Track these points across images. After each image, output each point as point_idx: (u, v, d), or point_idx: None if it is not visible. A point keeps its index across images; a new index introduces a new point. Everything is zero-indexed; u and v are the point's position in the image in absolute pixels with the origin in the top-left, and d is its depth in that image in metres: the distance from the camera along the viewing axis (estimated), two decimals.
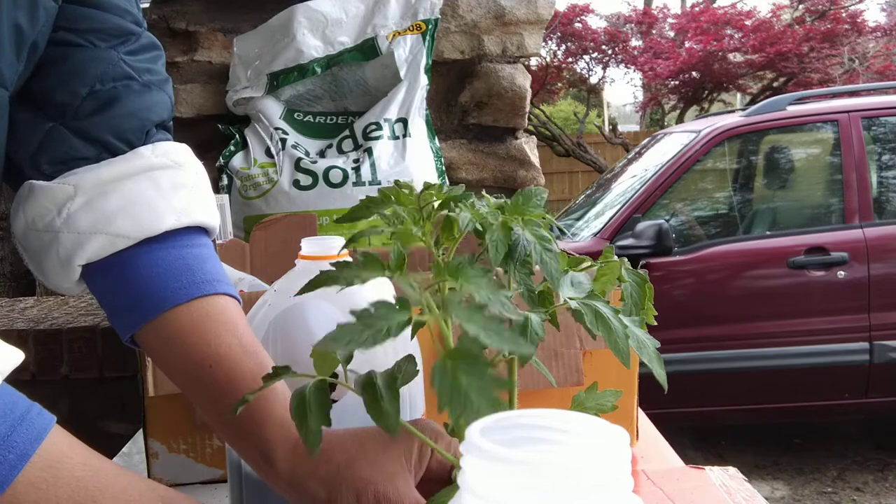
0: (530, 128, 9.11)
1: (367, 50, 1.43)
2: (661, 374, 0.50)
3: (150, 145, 0.73)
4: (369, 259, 0.51)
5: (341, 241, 0.78)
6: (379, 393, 0.53)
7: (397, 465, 0.59)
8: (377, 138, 1.38)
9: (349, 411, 0.72)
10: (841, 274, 3.75)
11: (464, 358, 0.39)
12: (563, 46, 11.90)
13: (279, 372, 0.55)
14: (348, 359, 0.56)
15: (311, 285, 0.52)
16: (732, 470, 0.98)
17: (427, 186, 0.56)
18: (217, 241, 1.08)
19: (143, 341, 0.69)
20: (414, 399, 0.75)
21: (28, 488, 0.49)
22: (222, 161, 1.40)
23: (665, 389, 0.53)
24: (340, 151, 1.40)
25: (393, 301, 0.45)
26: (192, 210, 0.71)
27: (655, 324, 0.71)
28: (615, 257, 0.64)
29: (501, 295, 0.45)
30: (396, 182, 0.56)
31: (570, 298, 0.55)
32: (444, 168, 1.47)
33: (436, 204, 0.55)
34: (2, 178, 0.72)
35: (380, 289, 0.77)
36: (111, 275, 0.69)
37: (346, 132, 1.42)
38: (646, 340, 0.53)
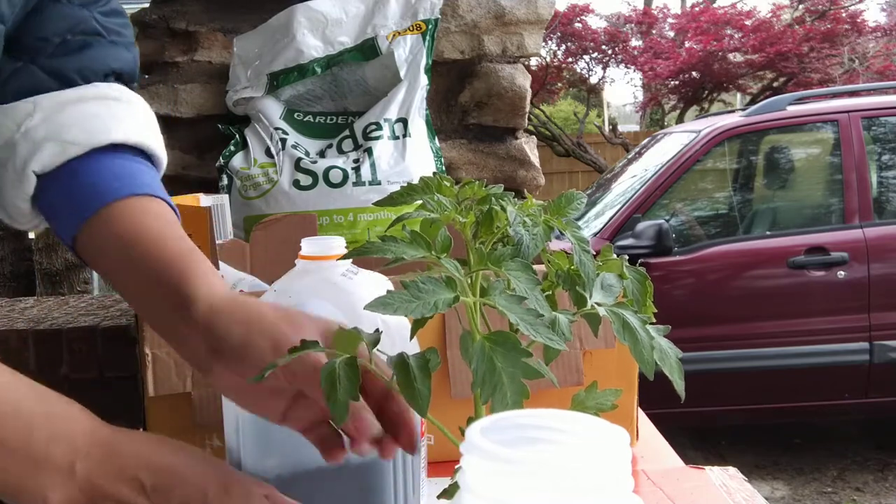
0: (530, 128, 9.12)
1: (367, 50, 1.43)
2: (679, 384, 0.51)
3: (106, 83, 0.77)
4: (416, 237, 0.53)
5: (341, 241, 0.78)
6: (412, 373, 0.54)
7: (316, 333, 0.59)
8: (377, 138, 1.38)
9: None
10: (841, 274, 3.75)
11: (502, 343, 0.40)
12: (563, 46, 11.90)
13: (308, 345, 0.56)
14: (376, 342, 0.57)
15: (356, 252, 0.54)
16: (732, 470, 0.98)
17: (466, 182, 0.57)
18: (217, 241, 1.08)
19: (82, 244, 0.71)
20: None
21: None
22: (222, 161, 1.40)
23: (682, 398, 0.53)
24: (340, 151, 1.40)
25: (440, 280, 0.46)
26: (143, 134, 0.75)
27: (654, 321, 0.71)
28: (614, 256, 0.65)
29: (538, 290, 0.46)
30: (436, 175, 0.58)
31: (598, 304, 0.56)
32: (444, 168, 1.47)
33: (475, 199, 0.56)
34: None
35: (380, 288, 0.77)
36: (59, 184, 0.72)
37: (346, 132, 1.42)
38: (668, 351, 0.54)
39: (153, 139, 0.77)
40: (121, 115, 0.75)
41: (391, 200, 0.58)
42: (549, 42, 11.49)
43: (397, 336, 0.72)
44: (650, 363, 0.52)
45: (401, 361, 0.55)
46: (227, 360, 0.60)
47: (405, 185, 0.59)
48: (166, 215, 0.71)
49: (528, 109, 1.61)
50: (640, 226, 3.79)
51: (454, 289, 0.45)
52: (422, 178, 0.58)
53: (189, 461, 0.58)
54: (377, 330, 0.57)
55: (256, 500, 0.58)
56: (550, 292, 0.63)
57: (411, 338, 0.70)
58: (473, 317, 0.45)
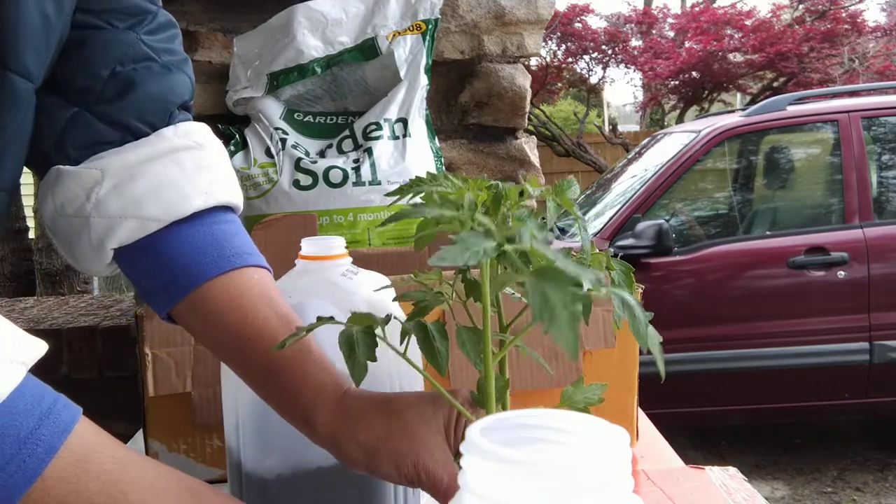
0: (530, 128, 9.11)
1: (367, 50, 1.43)
2: (662, 366, 0.53)
3: (172, 126, 0.74)
4: (446, 200, 0.54)
5: (341, 241, 0.78)
6: (431, 334, 0.58)
7: (436, 436, 0.60)
8: (377, 138, 1.38)
9: None
10: (841, 274, 3.75)
11: (549, 277, 0.44)
12: (563, 46, 11.90)
13: (324, 320, 0.60)
14: (387, 321, 0.61)
15: (394, 218, 0.55)
16: (732, 470, 0.98)
17: (468, 179, 0.59)
18: None
19: (180, 318, 0.71)
20: None
21: (58, 483, 0.49)
22: None
23: (662, 379, 0.55)
24: (340, 151, 1.40)
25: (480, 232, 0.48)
26: (217, 190, 0.72)
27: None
28: (612, 254, 0.66)
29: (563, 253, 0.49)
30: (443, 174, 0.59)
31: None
32: (444, 168, 1.47)
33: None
34: (28, 165, 0.73)
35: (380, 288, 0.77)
36: (142, 256, 0.71)
37: (346, 132, 1.42)
38: (654, 333, 0.56)
39: (230, 190, 0.74)
40: (194, 174, 0.71)
41: (401, 191, 0.59)
42: (549, 42, 11.50)
43: (395, 332, 0.72)
44: (645, 337, 0.54)
45: (420, 325, 0.59)
46: (360, 472, 0.63)
47: (414, 178, 0.60)
48: (267, 289, 0.70)
49: (528, 109, 1.61)
50: (640, 226, 3.79)
51: (494, 238, 0.48)
52: (428, 173, 0.59)
53: None
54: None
55: None
56: None
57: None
58: (514, 262, 0.47)
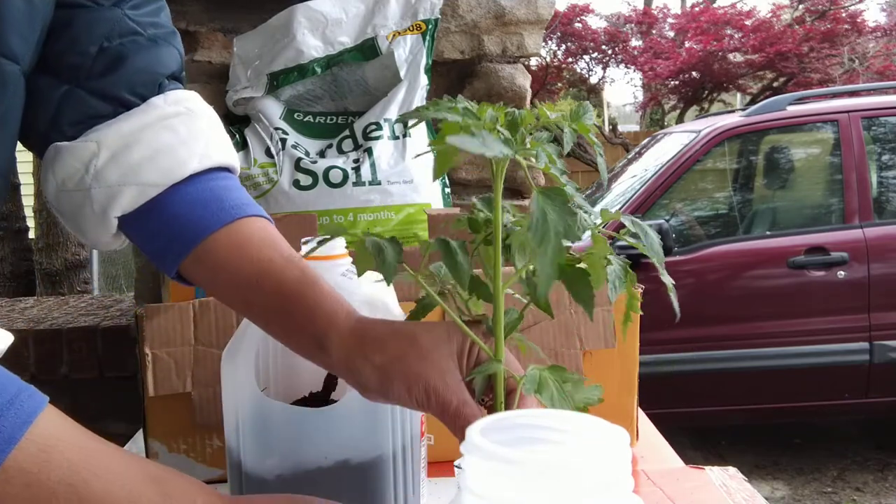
0: None
1: (367, 50, 1.43)
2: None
3: (161, 95, 0.75)
4: (468, 112, 0.55)
5: (342, 241, 0.78)
6: (454, 250, 0.59)
7: (448, 361, 0.61)
8: (377, 138, 1.38)
9: (349, 412, 0.72)
10: (841, 274, 3.75)
11: (554, 198, 0.48)
12: (563, 46, 11.90)
13: (328, 228, 0.64)
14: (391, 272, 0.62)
15: (408, 116, 0.58)
16: (732, 470, 0.98)
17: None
18: None
19: (188, 274, 0.73)
20: None
21: (19, 473, 0.50)
22: None
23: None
24: (340, 151, 1.40)
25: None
26: (212, 152, 0.75)
27: (640, 312, 0.72)
28: (610, 254, 0.66)
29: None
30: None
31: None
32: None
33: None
34: (29, 147, 0.77)
35: (381, 289, 0.77)
36: (146, 220, 0.73)
37: (346, 132, 1.42)
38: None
39: (225, 152, 0.77)
40: (188, 139, 0.74)
41: (415, 113, 0.60)
42: (549, 42, 11.49)
43: None
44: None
45: (443, 240, 0.60)
46: (372, 397, 0.64)
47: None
48: (269, 234, 0.72)
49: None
50: None
51: (513, 148, 0.52)
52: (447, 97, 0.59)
53: None
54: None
55: None
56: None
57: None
58: (526, 176, 0.50)
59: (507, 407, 0.60)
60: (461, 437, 0.54)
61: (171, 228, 0.71)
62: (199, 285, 0.75)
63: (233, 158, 0.78)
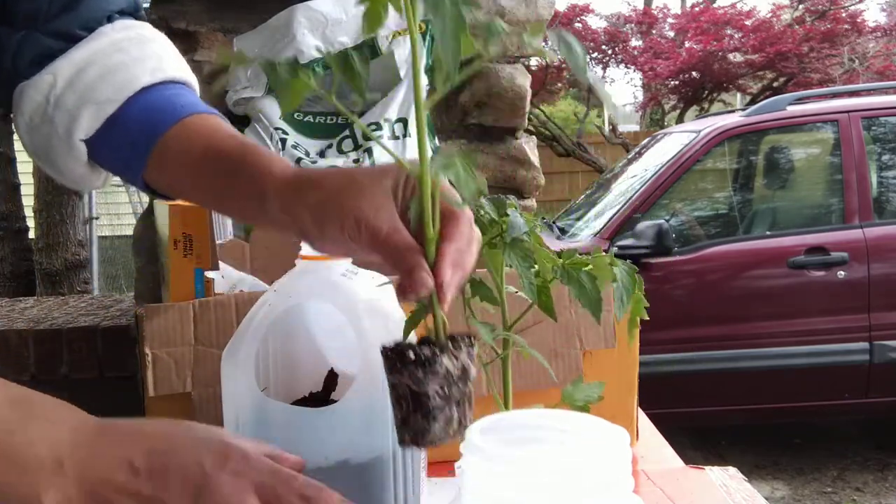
0: (530, 128, 9.11)
1: (367, 50, 1.43)
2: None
3: (110, 24, 0.79)
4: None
5: None
6: (351, 58, 0.59)
7: (382, 196, 0.61)
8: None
9: (349, 412, 0.72)
10: (841, 274, 3.75)
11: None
12: None
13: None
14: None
15: None
16: (732, 470, 0.98)
17: None
18: (217, 241, 1.08)
19: (153, 180, 0.75)
20: None
21: None
22: None
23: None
24: (340, 151, 1.40)
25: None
26: (166, 67, 0.78)
27: (647, 317, 0.72)
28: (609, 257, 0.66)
29: None
30: None
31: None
32: None
33: None
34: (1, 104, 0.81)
35: (380, 289, 0.77)
36: (108, 138, 0.76)
37: (346, 132, 1.42)
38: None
39: (179, 69, 0.80)
40: (140, 56, 0.77)
41: None
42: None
43: (395, 332, 0.72)
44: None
45: (341, 54, 0.60)
46: (310, 240, 0.65)
47: None
48: (216, 122, 0.75)
49: (528, 109, 1.61)
50: (640, 226, 3.78)
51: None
52: None
53: (180, 437, 0.58)
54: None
55: (256, 463, 0.58)
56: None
57: (405, 335, 0.70)
58: None
59: (441, 234, 0.60)
60: (394, 266, 0.60)
61: (130, 135, 0.75)
62: (161, 189, 0.76)
63: (189, 75, 0.80)
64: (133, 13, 0.82)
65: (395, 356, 0.60)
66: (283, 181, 0.65)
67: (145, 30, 0.81)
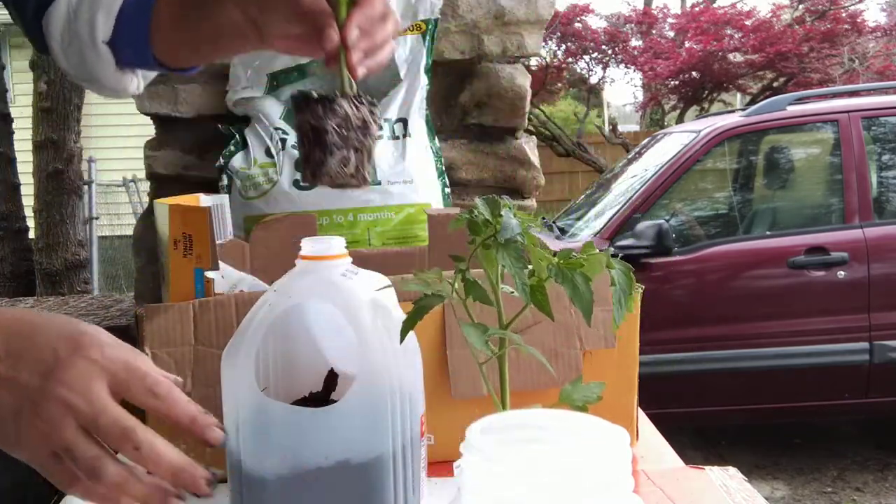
0: (530, 128, 9.11)
1: None
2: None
3: None
4: None
5: (341, 241, 0.78)
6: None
7: None
8: (377, 138, 1.38)
9: (349, 412, 0.72)
10: (841, 274, 3.75)
11: None
12: (563, 46, 11.90)
13: None
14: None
15: None
16: (732, 470, 0.98)
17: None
18: (217, 241, 1.08)
19: (157, 51, 0.89)
20: (414, 398, 0.75)
21: None
22: (222, 161, 1.40)
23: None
24: None
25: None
26: None
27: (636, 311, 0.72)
28: (612, 254, 0.65)
29: None
30: None
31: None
32: (444, 168, 1.47)
33: None
34: (36, 45, 0.94)
35: (381, 289, 0.77)
36: (120, 33, 0.89)
37: None
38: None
39: None
40: None
41: None
42: (549, 42, 11.50)
43: (395, 332, 0.72)
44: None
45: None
46: (254, 21, 0.78)
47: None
48: None
49: (528, 109, 1.61)
50: (640, 226, 3.78)
51: None
52: None
53: (41, 324, 0.62)
54: None
55: (112, 354, 0.62)
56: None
57: (402, 336, 0.70)
58: None
59: (354, 3, 0.73)
60: (311, 28, 0.73)
61: (134, 19, 0.88)
62: (166, 57, 0.89)
63: None
64: None
65: (301, 97, 0.70)
66: None
67: None
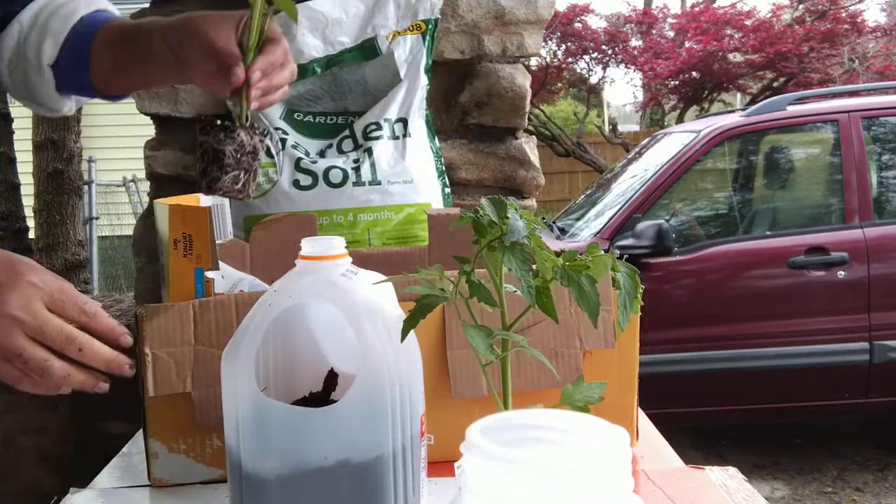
0: (530, 128, 9.11)
1: (367, 50, 1.43)
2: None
3: None
4: None
5: (341, 241, 0.78)
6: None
7: (227, 26, 0.89)
8: (377, 138, 1.38)
9: (349, 412, 0.72)
10: (841, 274, 3.75)
11: None
12: (563, 46, 11.90)
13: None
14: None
15: None
16: (732, 470, 0.98)
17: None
18: (217, 241, 1.08)
19: (94, 79, 1.00)
20: (414, 398, 0.75)
21: None
22: None
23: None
24: (340, 151, 1.40)
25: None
26: (95, 3, 1.03)
27: (640, 313, 0.72)
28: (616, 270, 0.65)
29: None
30: None
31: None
32: (444, 168, 1.47)
33: None
34: None
35: (381, 289, 0.77)
36: (63, 60, 1.00)
37: (346, 132, 1.42)
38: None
39: (105, 2, 1.07)
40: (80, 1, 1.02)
41: None
42: (549, 42, 11.50)
43: (395, 332, 0.72)
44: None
45: None
46: (178, 57, 0.92)
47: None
48: (124, 20, 1.03)
49: (528, 109, 1.61)
50: (640, 226, 3.78)
51: None
52: None
53: None
54: None
55: (48, 279, 0.77)
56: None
57: (403, 336, 0.70)
58: None
59: (260, 51, 0.88)
60: (221, 67, 0.87)
61: (76, 50, 0.99)
62: (102, 85, 1.01)
63: (111, 7, 1.06)
64: None
65: (206, 123, 0.85)
66: (163, 25, 0.93)
67: None
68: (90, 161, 7.36)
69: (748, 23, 10.63)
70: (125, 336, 0.83)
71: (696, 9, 11.67)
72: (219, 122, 0.84)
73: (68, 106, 1.08)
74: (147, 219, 1.55)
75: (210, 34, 0.88)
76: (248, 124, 0.87)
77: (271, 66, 0.90)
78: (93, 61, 0.99)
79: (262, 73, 0.89)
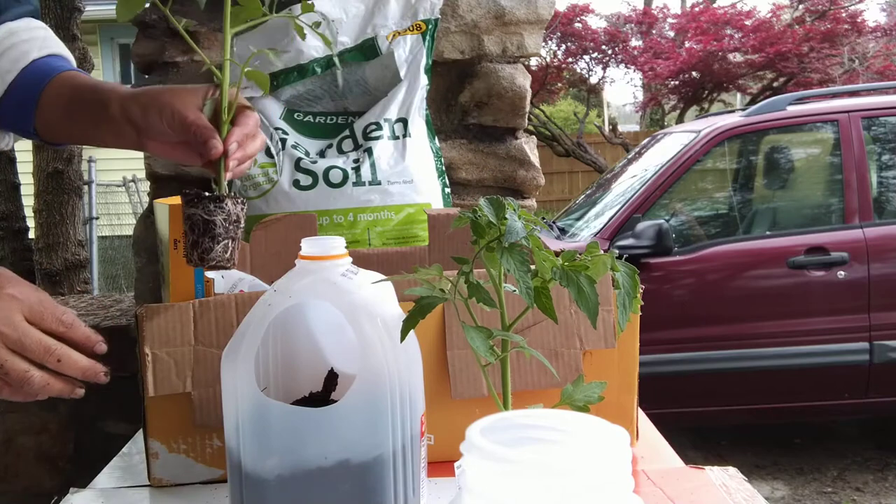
0: (530, 128, 9.11)
1: (367, 50, 1.43)
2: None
3: (14, 22, 1.01)
4: None
5: (341, 241, 0.78)
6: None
7: (193, 98, 0.89)
8: (377, 138, 1.38)
9: (349, 412, 0.72)
10: (841, 274, 3.75)
11: None
12: (563, 46, 11.90)
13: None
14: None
15: None
16: (732, 470, 0.98)
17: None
18: None
19: (40, 127, 0.99)
20: (414, 398, 0.75)
21: None
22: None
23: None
24: (340, 151, 1.40)
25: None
26: (49, 46, 1.02)
27: (640, 313, 0.72)
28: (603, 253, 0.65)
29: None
30: None
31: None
32: (444, 168, 1.47)
33: None
34: None
35: (381, 289, 0.77)
36: (8, 101, 0.99)
37: (346, 132, 1.42)
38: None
39: (59, 46, 1.05)
40: (30, 38, 1.01)
41: None
42: (549, 42, 11.50)
43: (395, 332, 0.72)
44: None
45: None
46: (139, 130, 0.91)
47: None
48: (77, 75, 1.01)
49: (528, 109, 1.61)
50: (640, 226, 3.78)
51: None
52: None
53: None
54: None
55: (28, 292, 0.81)
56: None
57: (403, 336, 0.70)
58: None
59: (232, 122, 0.89)
60: (195, 141, 0.87)
61: (23, 93, 0.98)
62: (47, 133, 1.00)
63: (67, 52, 1.05)
64: (33, 16, 1.05)
65: (193, 195, 0.85)
66: (123, 93, 0.93)
67: (36, 23, 1.04)
68: (90, 161, 7.36)
69: (748, 23, 10.63)
70: (101, 344, 0.87)
71: (696, 9, 11.67)
72: (206, 193, 0.85)
73: (6, 142, 1.08)
74: (147, 219, 1.55)
75: (178, 107, 0.88)
76: (231, 193, 0.89)
77: (245, 138, 0.91)
78: (40, 108, 0.98)
79: (238, 144, 0.90)
